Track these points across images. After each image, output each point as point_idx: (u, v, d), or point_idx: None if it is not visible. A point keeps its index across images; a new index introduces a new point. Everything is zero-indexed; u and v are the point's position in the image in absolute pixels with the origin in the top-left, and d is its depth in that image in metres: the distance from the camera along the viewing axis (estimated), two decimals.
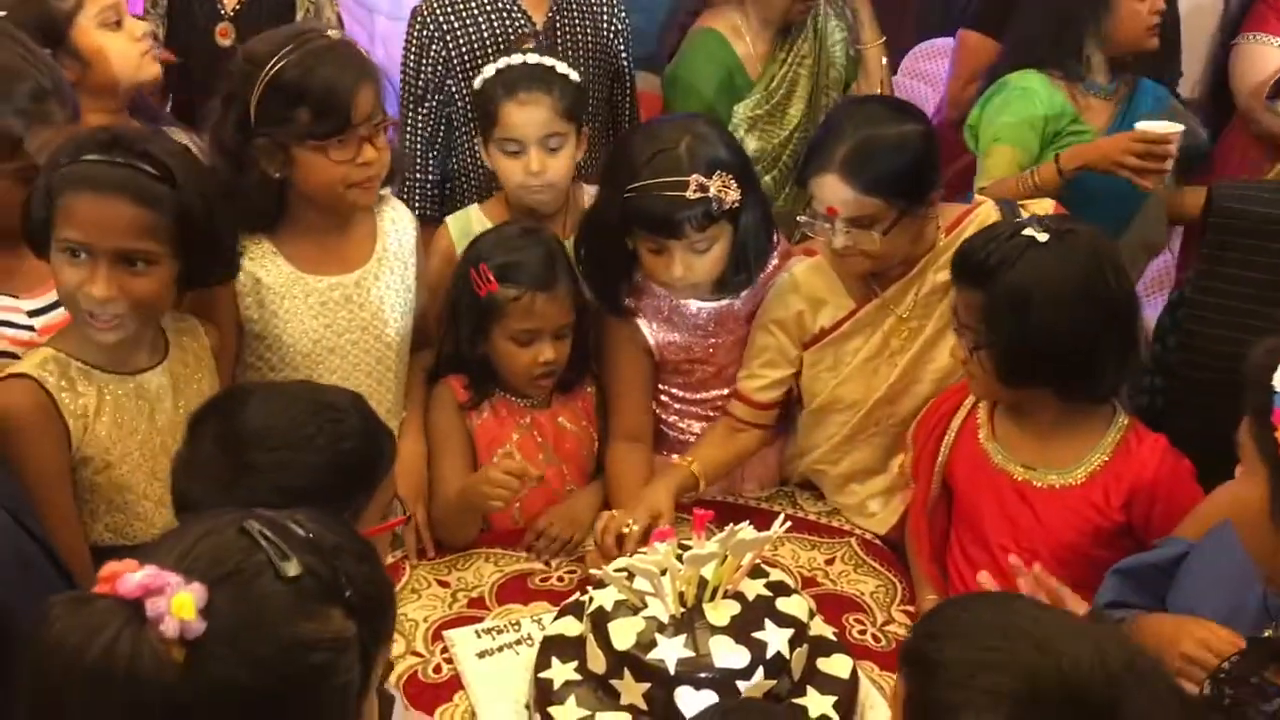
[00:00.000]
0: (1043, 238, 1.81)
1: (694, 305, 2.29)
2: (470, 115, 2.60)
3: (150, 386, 1.86)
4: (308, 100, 1.96)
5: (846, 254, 2.13)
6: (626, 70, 2.84)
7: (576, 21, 2.74)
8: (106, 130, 1.82)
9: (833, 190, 2.07)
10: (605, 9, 2.78)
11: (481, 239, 2.26)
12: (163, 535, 1.07)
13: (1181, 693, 1.16)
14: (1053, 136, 2.72)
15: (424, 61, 2.66)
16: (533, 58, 2.33)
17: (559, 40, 2.70)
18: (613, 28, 2.78)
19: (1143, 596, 1.67)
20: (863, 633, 2.01)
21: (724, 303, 2.30)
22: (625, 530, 2.07)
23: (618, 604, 1.79)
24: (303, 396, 1.58)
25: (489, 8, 2.66)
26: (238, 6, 2.95)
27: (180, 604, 0.95)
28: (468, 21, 2.66)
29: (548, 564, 2.16)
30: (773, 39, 2.89)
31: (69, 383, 1.79)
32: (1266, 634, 1.33)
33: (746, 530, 1.79)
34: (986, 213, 2.22)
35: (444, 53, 2.64)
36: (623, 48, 2.81)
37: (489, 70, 2.33)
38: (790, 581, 1.91)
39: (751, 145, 2.80)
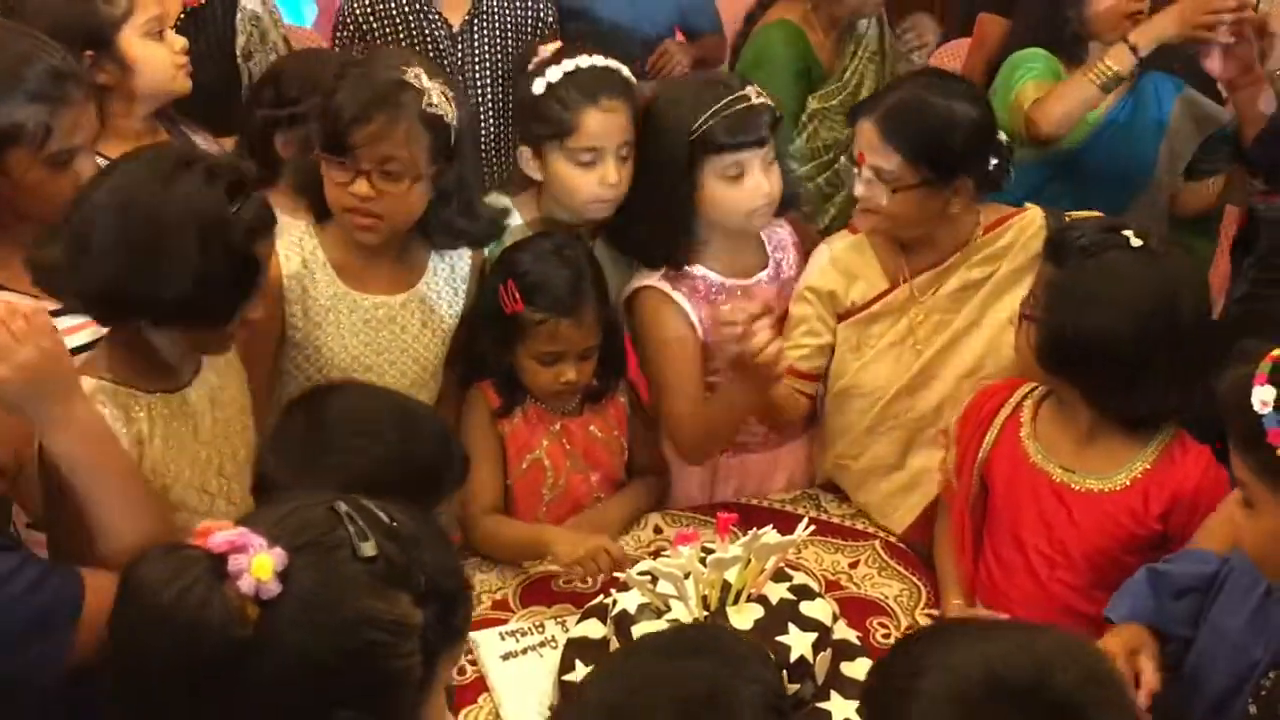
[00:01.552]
0: (1136, 243, 1.79)
1: (729, 281, 2.28)
2: None
3: (191, 400, 1.83)
4: (323, 106, 1.99)
5: (863, 207, 2.16)
6: None
7: (496, 25, 2.80)
8: None
9: (865, 136, 2.12)
10: (531, 6, 2.84)
11: (514, 253, 2.20)
12: (262, 506, 1.16)
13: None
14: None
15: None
16: (601, 60, 2.25)
17: (475, 44, 2.78)
18: (539, 25, 2.84)
19: (1171, 614, 1.66)
20: (887, 636, 2.00)
21: (755, 280, 2.31)
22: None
23: (641, 607, 1.80)
24: (390, 399, 1.74)
25: (406, 10, 2.76)
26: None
27: (260, 564, 1.03)
28: (385, 24, 2.76)
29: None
30: (841, 33, 2.99)
31: (122, 410, 1.73)
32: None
33: (770, 534, 1.79)
34: (1031, 218, 2.21)
35: (360, 49, 2.74)
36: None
37: (555, 74, 2.23)
38: (814, 585, 1.91)
39: (823, 135, 2.91)
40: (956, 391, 2.21)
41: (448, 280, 2.20)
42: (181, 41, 2.36)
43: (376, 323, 2.13)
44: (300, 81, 2.33)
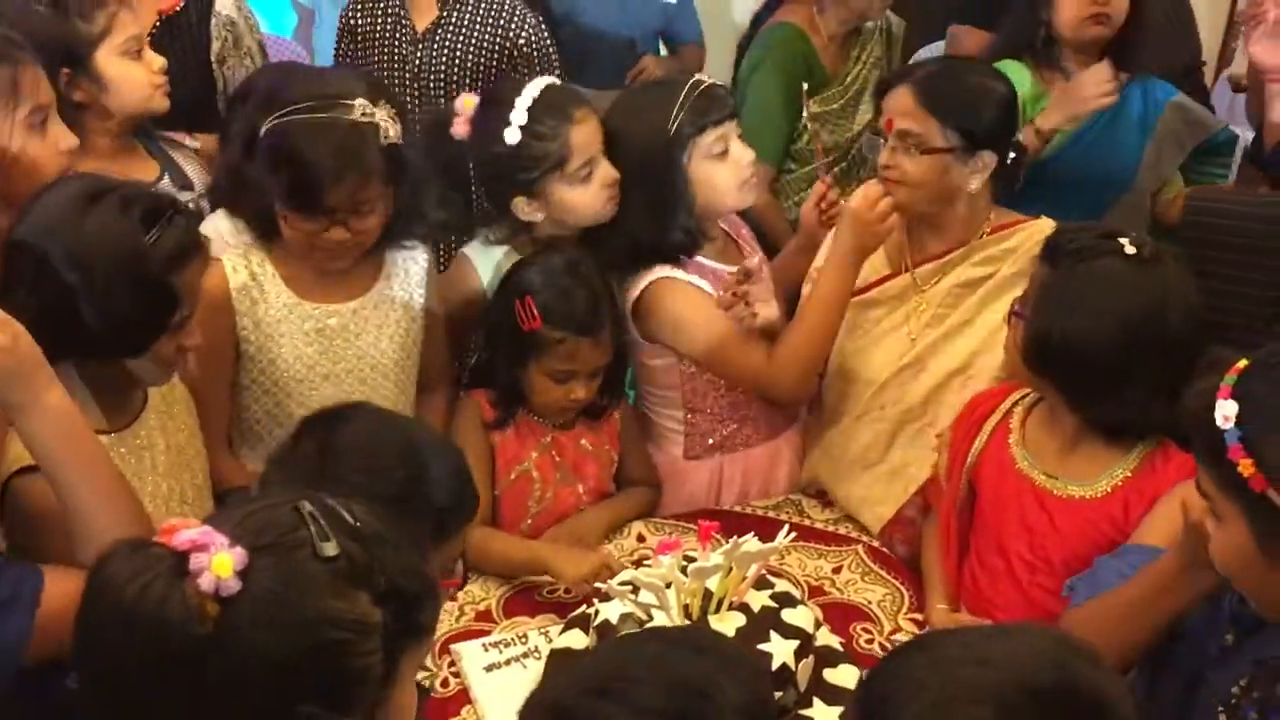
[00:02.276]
0: (1130, 251, 1.78)
1: (728, 268, 2.30)
2: None
3: (143, 435, 1.81)
4: (286, 171, 1.94)
5: (884, 175, 2.18)
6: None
7: (460, 31, 2.87)
8: None
9: (899, 101, 2.16)
10: (506, 20, 2.88)
11: (527, 270, 2.19)
12: (230, 504, 1.16)
13: None
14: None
15: (338, 57, 2.98)
16: (539, 82, 2.25)
17: (436, 47, 2.87)
18: (515, 39, 2.88)
19: None
20: (870, 642, 2.00)
21: (756, 261, 2.34)
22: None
23: (623, 617, 1.80)
24: (403, 432, 1.67)
25: (387, 10, 2.92)
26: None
27: (220, 563, 1.04)
28: (368, 23, 2.93)
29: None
30: (846, 38, 3.06)
31: None
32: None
33: (751, 541, 1.79)
34: (1041, 227, 2.21)
35: (352, 48, 2.94)
36: (536, 56, 2.90)
37: (520, 116, 2.19)
38: (796, 592, 1.92)
39: (824, 138, 2.98)
40: (944, 387, 2.22)
41: (402, 284, 2.19)
42: (160, 61, 2.36)
43: (330, 331, 2.13)
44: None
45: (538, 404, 2.22)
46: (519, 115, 2.19)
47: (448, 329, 2.35)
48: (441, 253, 2.82)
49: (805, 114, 2.66)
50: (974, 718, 1.01)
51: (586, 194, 2.23)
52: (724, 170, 2.24)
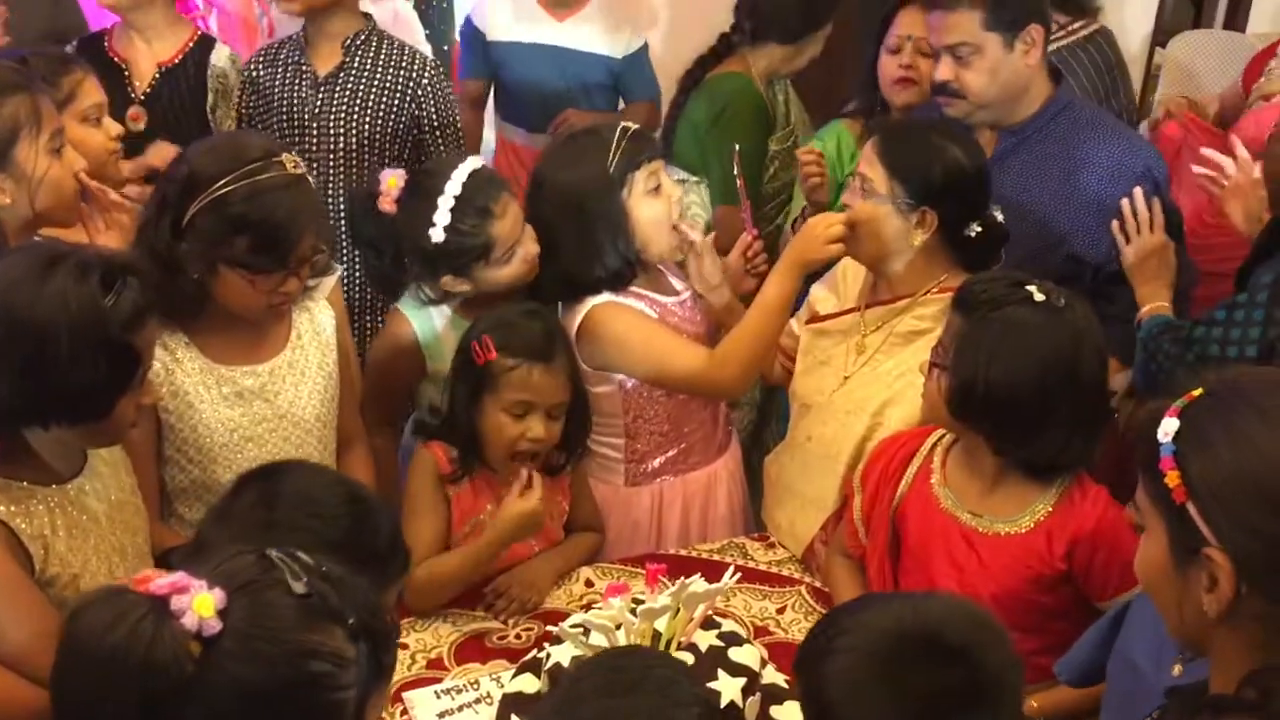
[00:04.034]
0: (1040, 298, 1.87)
1: (666, 298, 2.41)
2: None
3: (86, 489, 1.82)
4: (249, 233, 1.97)
5: (844, 212, 2.28)
6: (433, 121, 3.00)
7: (361, 77, 2.95)
8: None
9: (866, 147, 2.30)
10: (409, 71, 2.97)
11: (485, 316, 2.27)
12: (193, 557, 1.21)
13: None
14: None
15: (242, 109, 3.02)
16: (460, 172, 2.31)
17: (337, 91, 2.95)
18: (418, 88, 2.97)
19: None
20: None
21: (682, 297, 2.45)
22: None
23: (575, 659, 1.83)
24: (343, 485, 1.71)
25: (288, 61, 3.00)
26: (148, 90, 3.00)
27: (202, 602, 1.09)
28: (271, 73, 3.01)
29: (505, 622, 2.19)
30: (769, 85, 3.28)
31: (21, 506, 1.71)
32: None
33: (698, 582, 1.84)
34: None
35: (256, 101, 3.01)
36: (431, 106, 2.99)
37: (443, 216, 2.27)
38: (742, 632, 1.96)
39: (780, 176, 3.26)
40: (853, 428, 2.29)
41: (313, 338, 2.22)
42: (117, 128, 2.44)
43: (249, 393, 2.14)
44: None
45: (495, 450, 2.22)
46: (442, 215, 2.28)
47: (381, 382, 2.42)
48: (358, 302, 2.96)
49: (736, 169, 2.77)
50: (846, 646, 1.28)
51: (509, 270, 2.35)
52: (659, 205, 2.36)
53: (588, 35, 3.58)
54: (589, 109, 3.58)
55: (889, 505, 2.09)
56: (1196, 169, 2.43)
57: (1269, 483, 1.16)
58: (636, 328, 2.33)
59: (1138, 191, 2.39)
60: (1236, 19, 5.40)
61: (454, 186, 2.29)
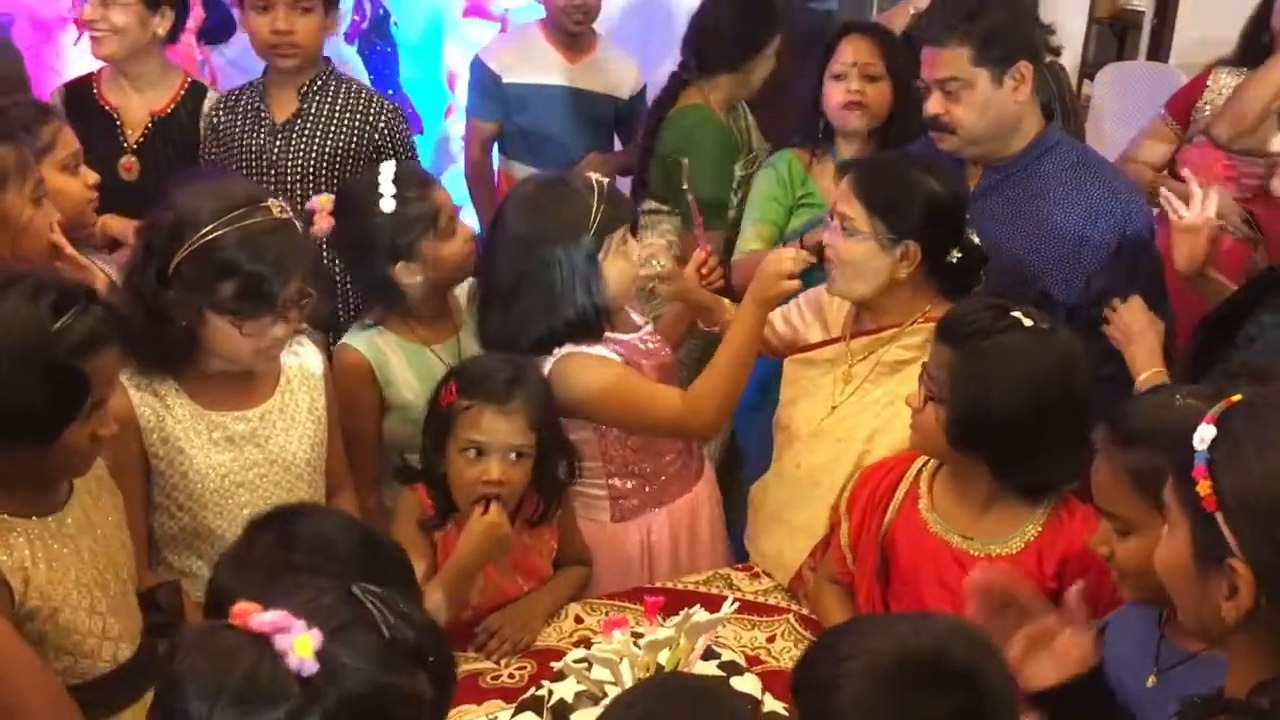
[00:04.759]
0: (1028, 323, 1.91)
1: (631, 338, 2.43)
2: None
3: (69, 523, 1.80)
4: (236, 278, 1.97)
5: (826, 253, 2.31)
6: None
7: (319, 122, 2.98)
8: None
9: (841, 185, 2.32)
10: (368, 113, 3.02)
11: (468, 360, 2.31)
12: (271, 593, 1.19)
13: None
14: (794, 206, 3.07)
15: (204, 156, 3.02)
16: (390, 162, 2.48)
17: (294, 137, 2.98)
18: (375, 129, 3.01)
19: None
20: None
21: (644, 333, 2.48)
22: None
23: (579, 695, 1.84)
24: (356, 527, 1.72)
25: (247, 108, 3.01)
26: (140, 139, 3.00)
27: (302, 644, 1.10)
28: (233, 120, 3.01)
29: (498, 662, 2.18)
30: (729, 112, 3.37)
31: (0, 538, 1.71)
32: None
33: (700, 613, 1.86)
34: None
35: (219, 149, 3.01)
36: (390, 148, 3.03)
37: (388, 186, 2.36)
38: (741, 661, 1.98)
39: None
40: (844, 457, 2.32)
41: (302, 382, 2.22)
42: (94, 177, 2.44)
43: (240, 438, 2.13)
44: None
45: (458, 492, 2.21)
46: (387, 188, 2.37)
47: (349, 424, 2.40)
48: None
49: (685, 184, 2.93)
50: (851, 672, 1.27)
51: (455, 245, 2.43)
52: (628, 264, 2.37)
53: (599, 76, 3.67)
54: (595, 148, 3.66)
55: (877, 532, 2.11)
56: (1164, 193, 2.48)
57: None
58: (603, 374, 2.32)
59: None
60: (1159, 50, 5.61)
61: (387, 172, 2.39)
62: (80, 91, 3.04)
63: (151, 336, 2.00)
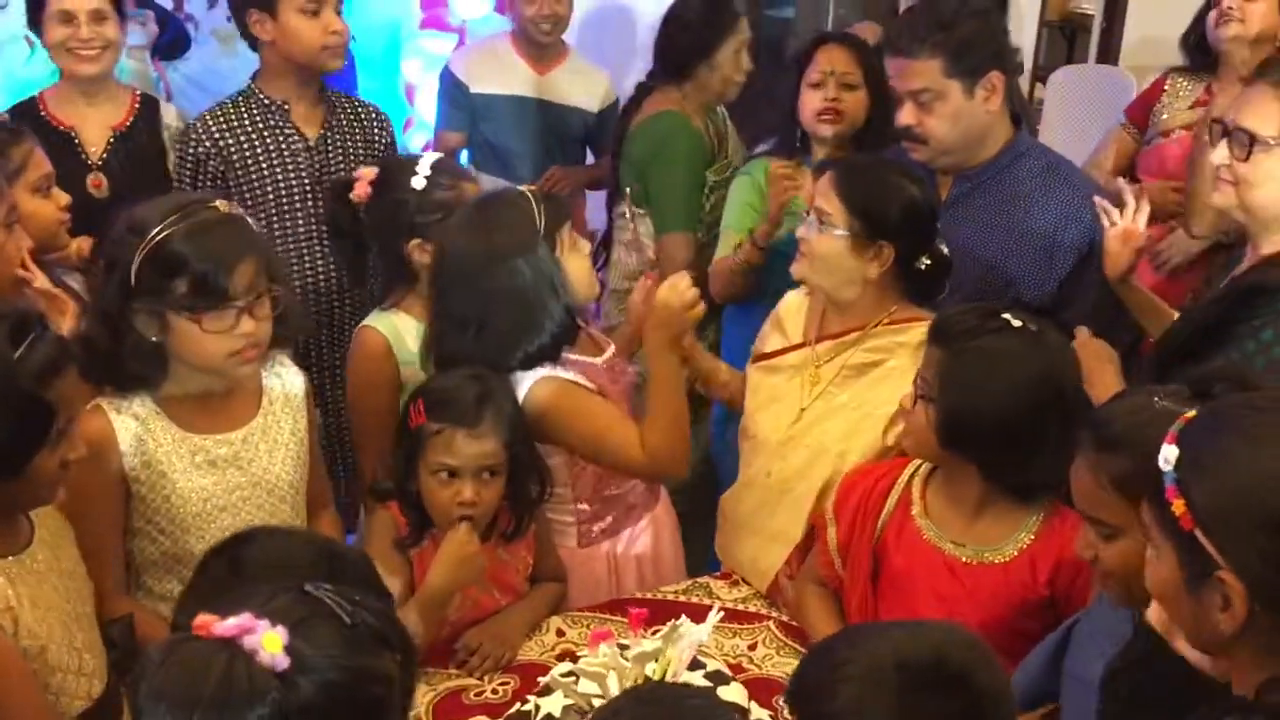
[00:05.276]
0: (1017, 324, 1.93)
1: (597, 359, 2.42)
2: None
3: (40, 559, 1.78)
4: (186, 272, 1.95)
5: (800, 249, 2.33)
6: None
7: (347, 136, 3.02)
8: None
9: (822, 182, 2.33)
10: (374, 124, 3.09)
11: (433, 379, 2.29)
12: (226, 600, 1.20)
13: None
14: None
15: (199, 175, 2.93)
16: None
17: (330, 153, 2.98)
18: (382, 140, 3.06)
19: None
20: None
21: (609, 355, 2.47)
22: None
23: (566, 709, 1.83)
24: (312, 539, 1.74)
25: (261, 125, 2.95)
26: (104, 156, 2.96)
27: (270, 640, 1.13)
28: (241, 139, 2.93)
29: (480, 678, 2.16)
30: (705, 117, 3.39)
31: None
32: None
33: (686, 623, 1.86)
34: None
35: (221, 168, 2.92)
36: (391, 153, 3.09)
37: (425, 168, 2.48)
38: (727, 670, 1.98)
39: (722, 208, 3.24)
40: (818, 462, 2.33)
41: (284, 403, 2.20)
42: (65, 199, 2.42)
43: (223, 461, 2.11)
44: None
45: (433, 513, 2.20)
46: (423, 169, 2.50)
47: (369, 406, 2.45)
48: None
49: (629, 213, 3.05)
50: (850, 677, 1.29)
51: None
52: (582, 258, 2.41)
53: (568, 88, 3.66)
54: (563, 162, 3.65)
55: (871, 538, 2.11)
56: (1098, 201, 2.49)
57: (1271, 504, 1.20)
58: (578, 405, 2.30)
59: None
60: (1109, 53, 5.69)
61: (431, 157, 2.55)
62: (26, 113, 2.98)
63: (121, 354, 1.97)
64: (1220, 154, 2.05)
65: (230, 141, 2.92)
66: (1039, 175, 2.56)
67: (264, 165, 2.92)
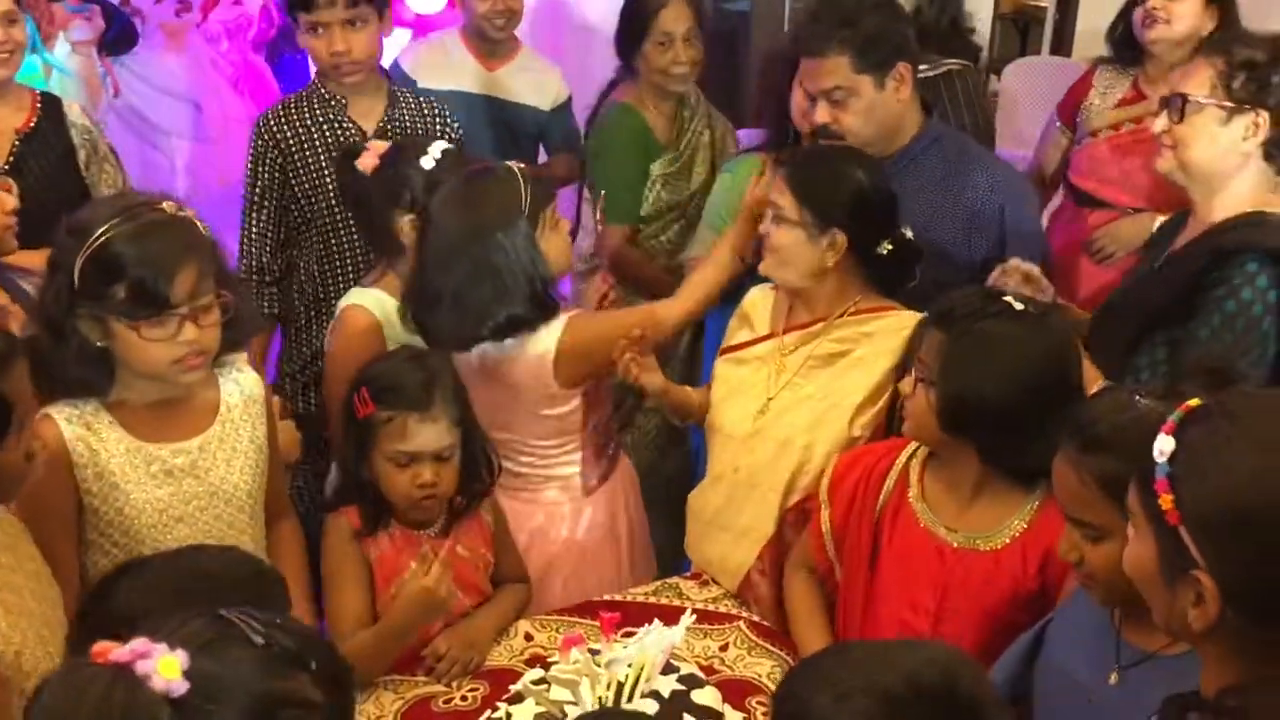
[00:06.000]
0: (1019, 307, 1.92)
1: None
2: (309, 217, 2.92)
3: (3, 561, 1.72)
4: (125, 277, 1.89)
5: (763, 241, 2.35)
6: None
7: (407, 130, 2.99)
8: None
9: (777, 179, 2.35)
10: (438, 119, 3.05)
11: (369, 364, 2.25)
12: (137, 628, 1.16)
13: None
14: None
15: (260, 169, 2.95)
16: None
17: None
18: (444, 137, 2.96)
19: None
20: (767, 714, 2.05)
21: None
22: None
23: (538, 717, 1.80)
24: (179, 569, 1.61)
25: (320, 119, 2.95)
26: (10, 159, 2.86)
27: (166, 665, 1.09)
28: (300, 132, 2.94)
29: (449, 685, 2.13)
30: (672, 109, 3.37)
31: None
32: None
33: (658, 627, 1.84)
34: (904, 320, 2.30)
35: (280, 160, 2.93)
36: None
37: (436, 151, 2.49)
38: (700, 673, 1.96)
39: (664, 197, 3.33)
40: (783, 454, 2.32)
41: (243, 410, 2.14)
42: (13, 202, 2.37)
43: (179, 471, 2.04)
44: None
45: (395, 499, 2.19)
46: (434, 151, 2.50)
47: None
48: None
49: (599, 216, 3.05)
50: (865, 707, 1.20)
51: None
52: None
53: (518, 85, 3.61)
54: (516, 158, 3.59)
55: (870, 521, 2.09)
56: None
57: (1258, 515, 1.19)
58: (607, 320, 2.52)
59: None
60: (1062, 45, 5.72)
61: (441, 143, 2.54)
62: None
63: (66, 359, 1.91)
64: (1160, 123, 2.20)
65: (289, 134, 2.92)
66: (952, 160, 2.59)
67: (322, 158, 2.91)
